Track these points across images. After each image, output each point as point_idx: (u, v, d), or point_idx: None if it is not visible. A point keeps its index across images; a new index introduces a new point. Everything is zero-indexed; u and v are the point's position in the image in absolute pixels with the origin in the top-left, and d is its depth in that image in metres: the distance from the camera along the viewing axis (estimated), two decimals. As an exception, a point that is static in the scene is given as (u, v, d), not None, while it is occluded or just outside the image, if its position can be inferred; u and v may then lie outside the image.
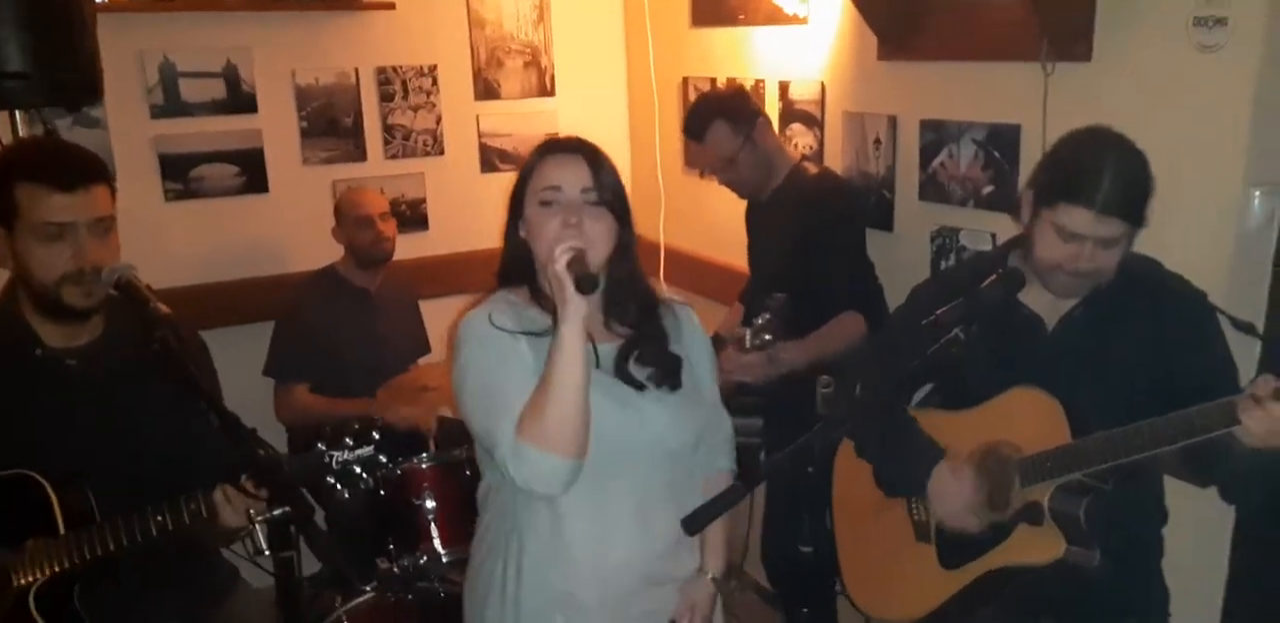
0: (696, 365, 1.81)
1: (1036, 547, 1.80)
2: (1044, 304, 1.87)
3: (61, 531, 1.77)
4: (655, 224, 3.79)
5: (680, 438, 1.74)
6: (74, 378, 1.89)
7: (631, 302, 1.75)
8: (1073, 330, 1.85)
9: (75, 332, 1.91)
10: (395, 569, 2.58)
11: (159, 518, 1.74)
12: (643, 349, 1.72)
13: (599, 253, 1.64)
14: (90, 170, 1.84)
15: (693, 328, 1.85)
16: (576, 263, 1.53)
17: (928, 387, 2.06)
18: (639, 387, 1.70)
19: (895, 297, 2.79)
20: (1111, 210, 1.70)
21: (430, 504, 2.62)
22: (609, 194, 1.66)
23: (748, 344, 2.42)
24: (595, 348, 1.67)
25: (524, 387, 1.58)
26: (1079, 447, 1.74)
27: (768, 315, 2.41)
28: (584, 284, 1.52)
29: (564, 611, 1.68)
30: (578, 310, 1.53)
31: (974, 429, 1.91)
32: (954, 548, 1.93)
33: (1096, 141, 1.78)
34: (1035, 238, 1.80)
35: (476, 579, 1.77)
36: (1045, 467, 1.78)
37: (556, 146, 1.70)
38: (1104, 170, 1.72)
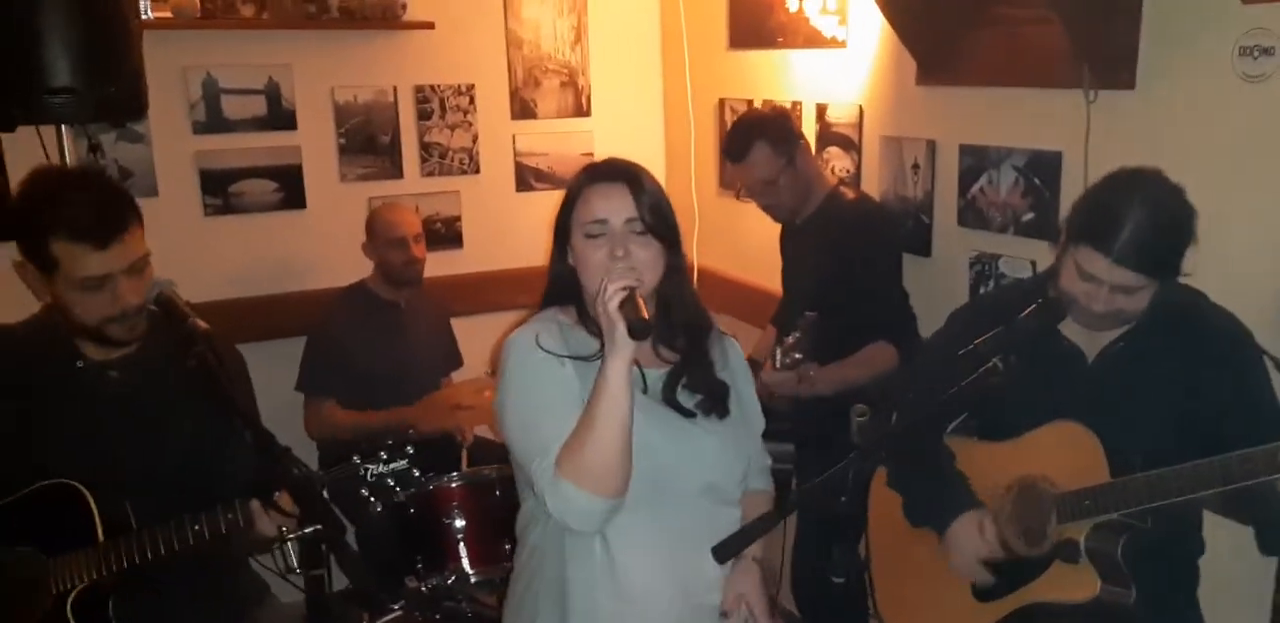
0: (743, 394, 1.79)
1: (1071, 585, 1.77)
2: (1085, 336, 1.85)
3: (100, 539, 1.80)
4: (689, 245, 3.76)
5: (729, 466, 1.72)
6: (114, 389, 1.92)
7: (681, 326, 1.72)
8: (1112, 364, 1.82)
9: (114, 345, 1.93)
10: (423, 588, 2.58)
11: (196, 527, 1.76)
12: (690, 375, 1.70)
13: (649, 280, 1.62)
14: (123, 217, 1.84)
15: (737, 356, 1.83)
16: (629, 304, 1.50)
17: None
18: (688, 414, 1.68)
19: (933, 322, 2.76)
20: (1128, 262, 1.68)
21: (460, 524, 2.61)
22: (654, 220, 1.63)
23: (778, 363, 2.42)
24: (643, 373, 1.66)
25: (567, 415, 1.56)
26: (1118, 486, 1.71)
27: (798, 334, 2.40)
28: (637, 330, 1.49)
29: None
30: (625, 350, 1.51)
31: (1011, 461, 1.88)
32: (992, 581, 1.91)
33: (1132, 187, 1.75)
34: (1060, 268, 1.80)
35: (520, 610, 1.73)
36: (1083, 505, 1.75)
37: (598, 174, 1.67)
38: (1127, 220, 1.69)
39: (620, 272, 1.55)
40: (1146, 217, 1.70)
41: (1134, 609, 1.74)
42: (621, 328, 1.49)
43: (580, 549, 1.64)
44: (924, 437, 1.97)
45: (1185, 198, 1.74)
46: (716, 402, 1.71)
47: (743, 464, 1.76)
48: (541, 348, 1.63)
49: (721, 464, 1.70)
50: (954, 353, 1.80)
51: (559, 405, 1.58)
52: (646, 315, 1.50)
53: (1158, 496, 1.65)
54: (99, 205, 1.84)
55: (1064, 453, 1.80)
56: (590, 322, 1.68)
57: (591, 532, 1.59)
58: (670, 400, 1.68)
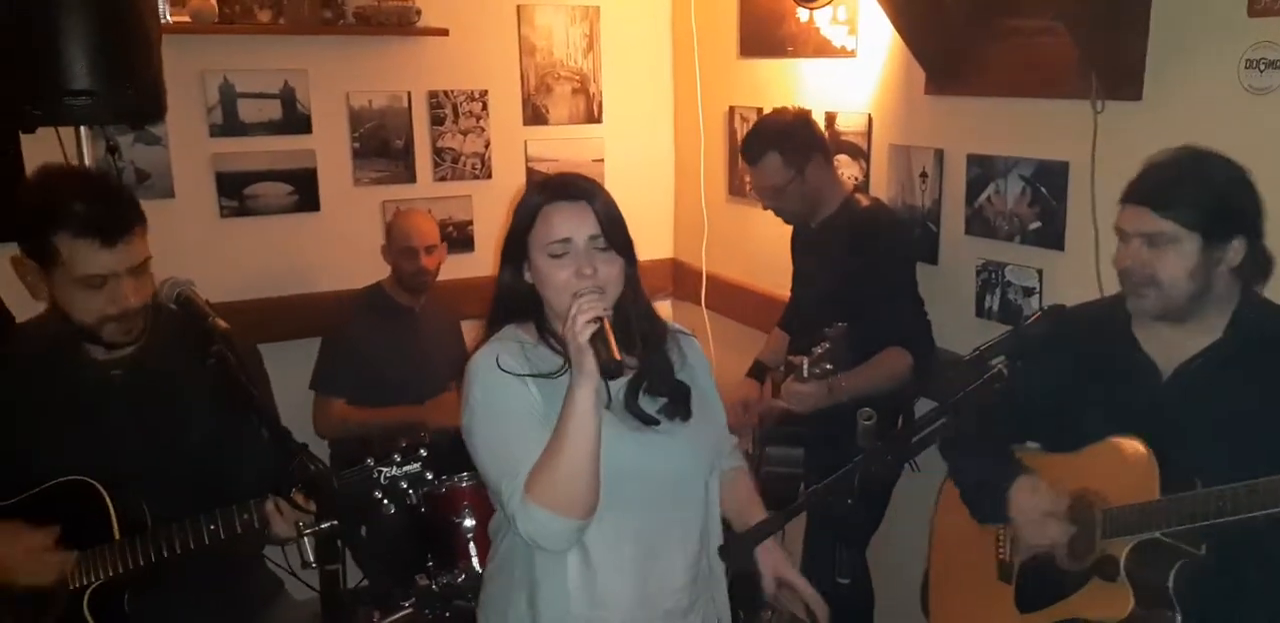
0: (704, 389, 1.80)
1: (1105, 603, 1.75)
2: (1161, 350, 1.80)
3: (117, 536, 1.82)
4: (698, 251, 3.82)
5: (695, 466, 1.74)
6: (120, 387, 1.94)
7: (638, 334, 1.71)
8: (1187, 382, 1.76)
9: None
10: (434, 586, 2.60)
11: (212, 526, 1.78)
12: (651, 382, 1.70)
13: (612, 294, 1.62)
14: (129, 218, 1.85)
15: (695, 354, 1.84)
16: (600, 340, 1.49)
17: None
18: (652, 422, 1.68)
19: (939, 329, 2.80)
20: (1150, 202, 1.67)
21: (470, 523, 2.64)
22: (616, 236, 1.63)
23: (805, 373, 2.40)
24: (606, 385, 1.65)
25: (532, 437, 1.57)
26: (1160, 504, 1.67)
27: (827, 345, 2.38)
28: (611, 371, 1.49)
29: None
30: (592, 379, 1.51)
31: (1071, 474, 1.85)
32: (1031, 591, 1.91)
33: (1178, 151, 1.75)
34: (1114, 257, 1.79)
35: (490, 613, 1.76)
36: (1127, 521, 1.72)
37: (557, 193, 1.64)
38: (1162, 169, 1.69)
39: (589, 301, 1.53)
40: (1171, 165, 1.69)
41: None
42: (590, 360, 1.49)
43: (550, 557, 1.64)
44: (989, 439, 1.95)
45: (1229, 162, 1.72)
46: (679, 405, 1.71)
47: (709, 461, 1.77)
48: (503, 369, 1.62)
49: (688, 465, 1.72)
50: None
51: (524, 427, 1.59)
52: (618, 355, 1.49)
53: (1199, 515, 1.61)
54: (107, 204, 1.84)
55: (1119, 468, 1.77)
56: (551, 337, 1.67)
57: (561, 550, 1.60)
58: (634, 409, 1.68)
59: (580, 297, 1.55)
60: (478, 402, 1.63)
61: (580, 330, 1.50)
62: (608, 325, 1.51)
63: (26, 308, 2.04)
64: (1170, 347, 1.79)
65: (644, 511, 1.67)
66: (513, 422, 1.60)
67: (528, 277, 1.67)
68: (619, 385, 1.68)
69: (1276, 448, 1.63)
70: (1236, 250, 1.71)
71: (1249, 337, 1.73)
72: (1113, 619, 1.73)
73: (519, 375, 1.62)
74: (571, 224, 1.61)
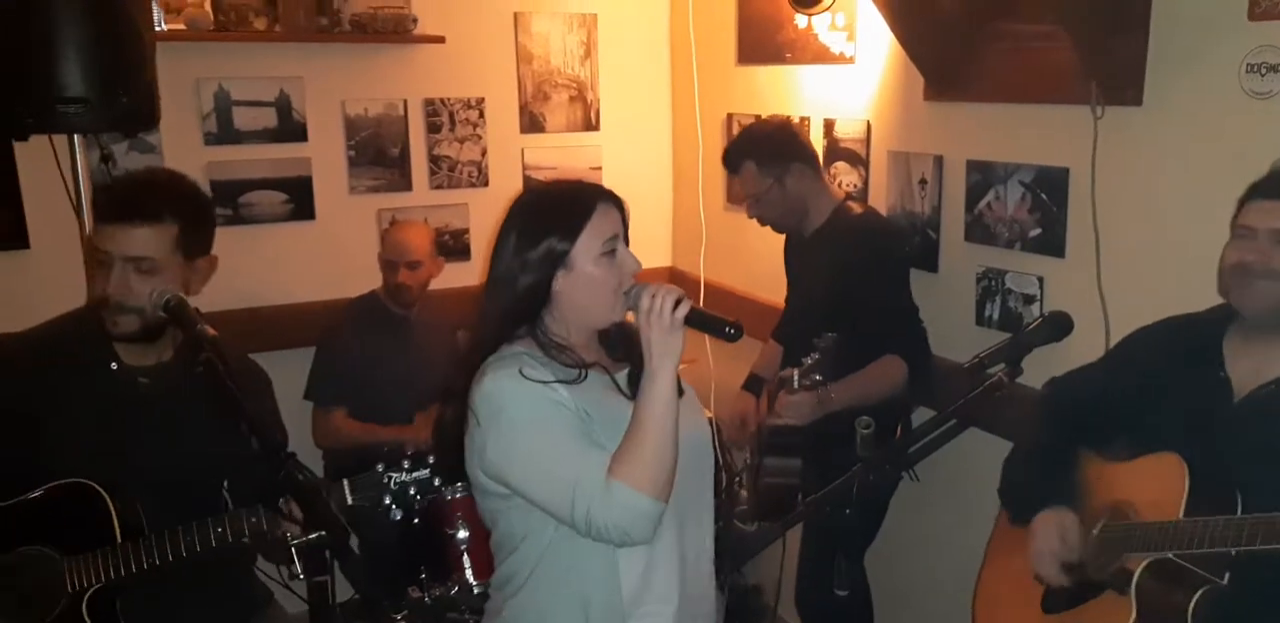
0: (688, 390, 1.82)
1: (1110, 614, 1.75)
2: (1244, 370, 1.76)
3: (119, 540, 1.82)
4: (696, 259, 3.80)
5: (705, 436, 1.77)
6: (143, 395, 1.95)
7: (622, 328, 1.74)
8: (1259, 404, 1.72)
9: (148, 352, 1.97)
10: (426, 599, 2.58)
11: (219, 530, 1.78)
12: (732, 336, 1.70)
13: None
14: (156, 210, 1.87)
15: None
16: (696, 313, 1.54)
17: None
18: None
19: (939, 337, 2.78)
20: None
21: (463, 535, 2.61)
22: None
23: (796, 384, 2.39)
24: (614, 378, 1.68)
25: (585, 437, 1.57)
26: (1175, 526, 1.66)
27: (817, 355, 2.37)
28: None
29: None
30: (677, 356, 1.55)
31: (1116, 483, 1.86)
32: (1058, 594, 1.90)
33: None
34: (1224, 256, 1.76)
35: None
36: (1145, 538, 1.71)
37: (602, 195, 1.67)
38: None
39: (657, 287, 1.58)
40: None
41: None
42: (678, 340, 1.54)
43: (599, 565, 1.61)
44: (1045, 440, 1.95)
45: None
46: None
47: (710, 432, 1.81)
48: (528, 379, 1.58)
49: (700, 440, 1.75)
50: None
51: (574, 430, 1.57)
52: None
53: (1210, 541, 1.59)
54: (147, 188, 1.92)
55: (1154, 483, 1.76)
56: (558, 350, 1.64)
57: (647, 539, 1.55)
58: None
59: (642, 288, 1.58)
60: (513, 416, 1.57)
61: (673, 311, 1.54)
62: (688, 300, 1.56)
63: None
64: (1254, 367, 1.75)
65: (678, 490, 1.63)
66: (560, 427, 1.57)
67: (558, 286, 1.63)
68: (623, 378, 1.70)
69: None
70: None
71: None
72: None
73: (547, 383, 1.60)
74: (615, 222, 1.66)
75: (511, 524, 1.66)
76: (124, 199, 1.90)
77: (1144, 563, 1.70)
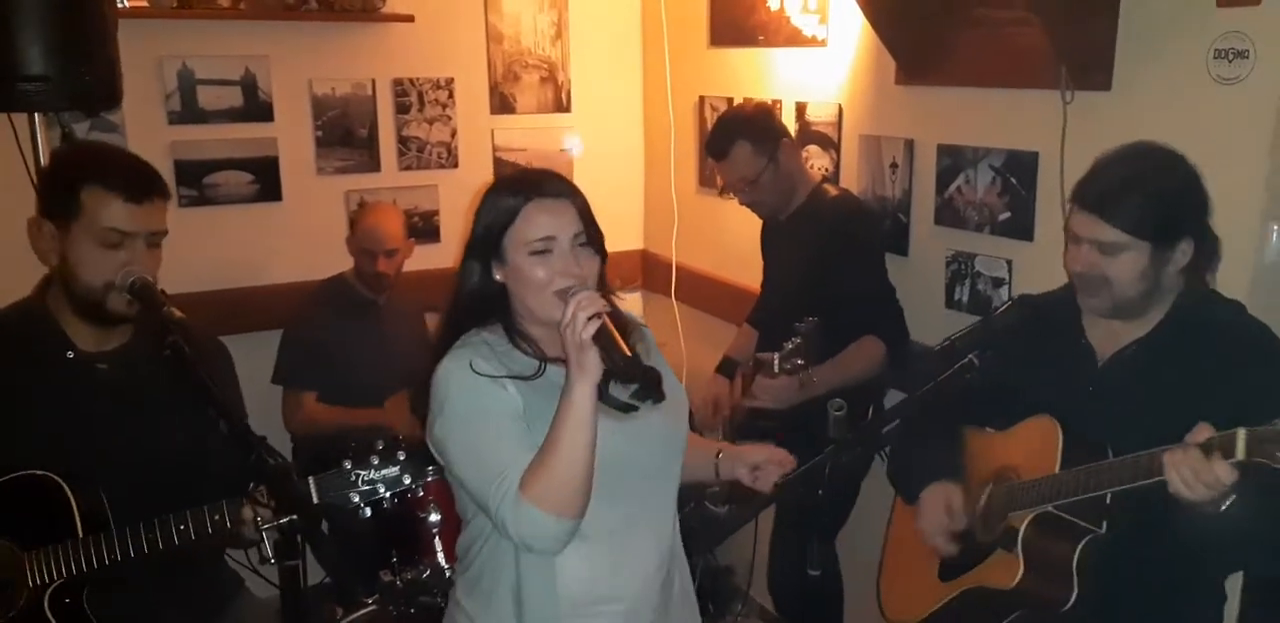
0: (669, 378, 1.77)
1: (1001, 571, 1.82)
2: (1102, 337, 1.85)
3: (80, 534, 1.77)
4: (668, 243, 3.80)
5: (674, 448, 1.74)
6: (103, 382, 1.90)
7: None
8: (1123, 368, 1.81)
9: (106, 336, 1.92)
10: (398, 582, 2.57)
11: (181, 527, 1.74)
12: (618, 371, 1.66)
13: (589, 287, 1.60)
14: (157, 184, 1.88)
15: (652, 345, 1.83)
16: (605, 339, 1.48)
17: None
18: (631, 408, 1.64)
19: (910, 320, 2.79)
20: (1100, 211, 1.70)
21: (435, 518, 2.60)
22: (594, 234, 1.64)
23: (776, 368, 2.38)
24: None
25: (517, 438, 1.54)
26: (1049, 479, 1.75)
27: (798, 340, 2.36)
28: (626, 370, 1.48)
29: None
30: (593, 376, 1.49)
31: (998, 451, 1.93)
32: (951, 561, 1.97)
33: (1127, 151, 1.78)
34: (1064, 257, 1.83)
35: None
36: (1025, 495, 1.79)
37: (539, 190, 1.62)
38: (1111, 174, 1.73)
39: (588, 298, 1.52)
40: (1121, 168, 1.73)
41: (1074, 611, 1.73)
42: (593, 358, 1.48)
43: (535, 559, 1.61)
44: (933, 421, 1.99)
45: (1182, 162, 1.74)
46: (652, 389, 1.65)
47: (685, 441, 1.77)
48: (478, 373, 1.58)
49: (667, 448, 1.72)
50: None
51: (507, 430, 1.56)
52: (628, 351, 1.48)
53: (1077, 489, 1.68)
54: (139, 168, 1.89)
55: (1031, 445, 1.84)
56: (522, 339, 1.65)
57: (555, 553, 1.57)
58: (609, 401, 1.63)
59: (575, 294, 1.52)
60: (454, 408, 1.58)
61: (583, 328, 1.48)
62: (609, 322, 1.50)
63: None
64: (1111, 336, 1.84)
65: (625, 499, 1.65)
66: (494, 424, 1.56)
67: (498, 276, 1.64)
68: None
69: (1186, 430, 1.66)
70: (1185, 252, 1.75)
71: (1179, 326, 1.78)
72: (1005, 587, 1.80)
73: (495, 377, 1.59)
74: (556, 221, 1.60)
75: (463, 498, 1.69)
76: (135, 174, 1.85)
77: (1027, 519, 1.78)
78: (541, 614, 1.63)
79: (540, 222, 1.60)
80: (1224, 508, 1.51)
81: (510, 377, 1.60)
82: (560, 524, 1.50)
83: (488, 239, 1.63)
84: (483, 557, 1.69)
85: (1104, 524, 1.72)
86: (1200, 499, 1.50)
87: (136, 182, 1.84)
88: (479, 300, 1.67)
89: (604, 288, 1.69)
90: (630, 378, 1.49)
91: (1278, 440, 1.41)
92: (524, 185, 1.64)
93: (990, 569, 1.86)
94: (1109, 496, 1.68)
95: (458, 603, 1.74)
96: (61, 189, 1.83)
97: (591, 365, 1.49)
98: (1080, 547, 1.72)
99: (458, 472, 1.61)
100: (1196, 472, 1.48)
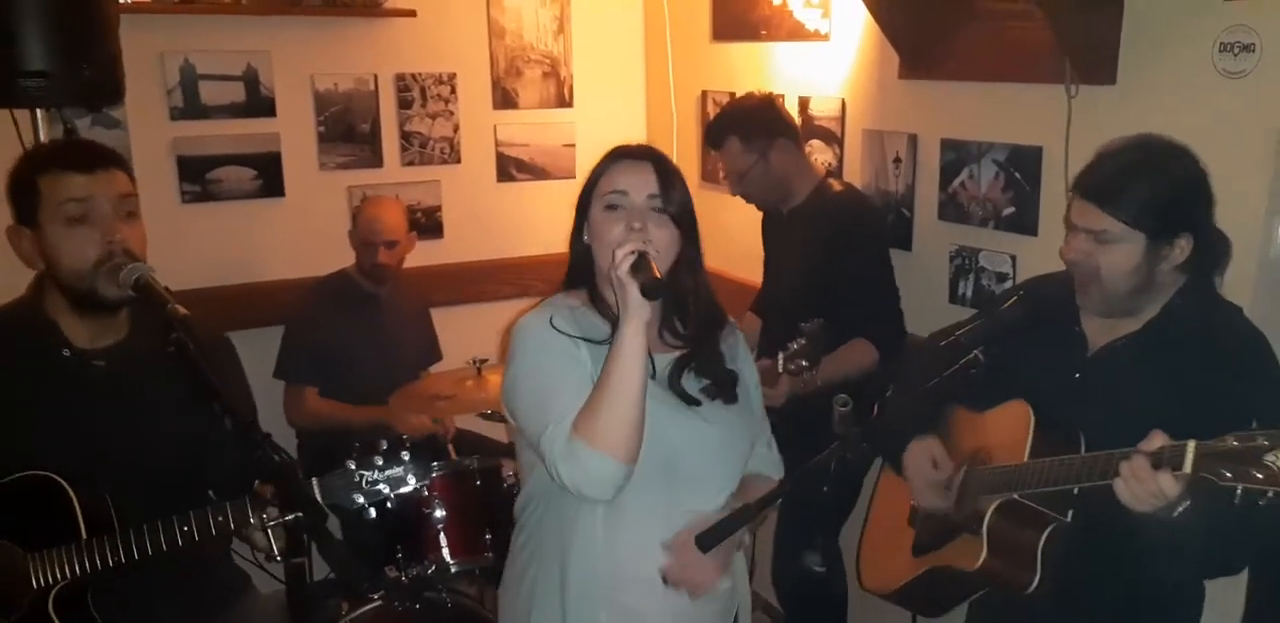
0: (749, 385, 1.81)
1: (965, 553, 1.83)
2: (1096, 327, 1.84)
3: (84, 535, 1.76)
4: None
5: (733, 453, 1.74)
6: (100, 379, 1.88)
7: (694, 316, 1.73)
8: (1110, 360, 1.81)
9: (102, 332, 1.90)
10: (403, 578, 2.57)
11: (185, 528, 1.73)
12: (699, 362, 1.71)
13: (662, 260, 1.61)
14: (107, 156, 1.85)
15: (744, 353, 1.85)
16: (642, 267, 1.51)
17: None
18: (693, 402, 1.69)
19: (912, 315, 2.79)
20: (1099, 200, 1.69)
21: (440, 514, 2.60)
22: (675, 205, 1.65)
23: (780, 369, 2.36)
24: (651, 358, 1.65)
25: (579, 392, 1.56)
26: (1018, 468, 1.76)
27: (803, 341, 2.35)
28: (649, 289, 1.50)
29: (612, 614, 1.65)
30: (641, 313, 1.52)
31: (975, 432, 1.94)
32: (925, 537, 1.99)
33: (1131, 142, 1.76)
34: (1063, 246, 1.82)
35: (518, 591, 1.74)
36: (994, 481, 1.80)
37: (627, 152, 1.70)
38: (1112, 164, 1.72)
39: (632, 237, 1.57)
40: (1123, 158, 1.72)
41: (1034, 595, 1.74)
42: (634, 289, 1.50)
43: (582, 529, 1.64)
44: (917, 390, 1.98)
45: (1186, 156, 1.72)
46: (724, 388, 1.72)
47: (746, 450, 1.77)
48: (556, 329, 1.64)
49: (726, 451, 1.72)
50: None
51: (572, 382, 1.59)
52: (659, 274, 1.51)
53: (1041, 481, 1.68)
54: (81, 143, 1.90)
55: (1005, 430, 1.84)
56: (602, 305, 1.69)
57: (604, 497, 1.57)
58: (675, 387, 1.68)
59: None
60: (527, 356, 1.64)
61: (620, 261, 1.51)
62: (651, 259, 1.52)
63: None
64: (1106, 326, 1.84)
65: (681, 488, 1.66)
66: (558, 375, 1.60)
67: (586, 238, 1.69)
68: (666, 362, 1.69)
69: (1182, 432, 1.62)
70: (1182, 248, 1.72)
71: (1171, 326, 1.75)
72: (965, 569, 1.81)
73: (571, 337, 1.64)
74: (631, 178, 1.65)
75: (525, 451, 1.70)
76: (80, 149, 1.85)
77: (994, 504, 1.78)
78: (585, 581, 1.64)
79: (616, 177, 1.66)
80: (1176, 515, 1.50)
81: (585, 339, 1.64)
82: (609, 464, 1.52)
83: (582, 199, 1.69)
84: (535, 517, 1.72)
85: (1069, 514, 1.73)
86: (1144, 509, 1.50)
87: (83, 154, 1.83)
88: (577, 265, 1.72)
89: (696, 273, 1.72)
90: (653, 295, 1.50)
91: (1226, 457, 1.39)
92: (618, 149, 1.72)
93: (955, 551, 1.87)
94: (1076, 487, 1.68)
95: (511, 562, 1.78)
96: (22, 189, 1.82)
97: (635, 303, 1.51)
98: (1045, 534, 1.73)
99: (520, 420, 1.65)
100: (1141, 481, 1.48)
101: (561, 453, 1.53)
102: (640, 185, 1.64)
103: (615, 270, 1.52)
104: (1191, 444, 1.45)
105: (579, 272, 1.73)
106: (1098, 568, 1.76)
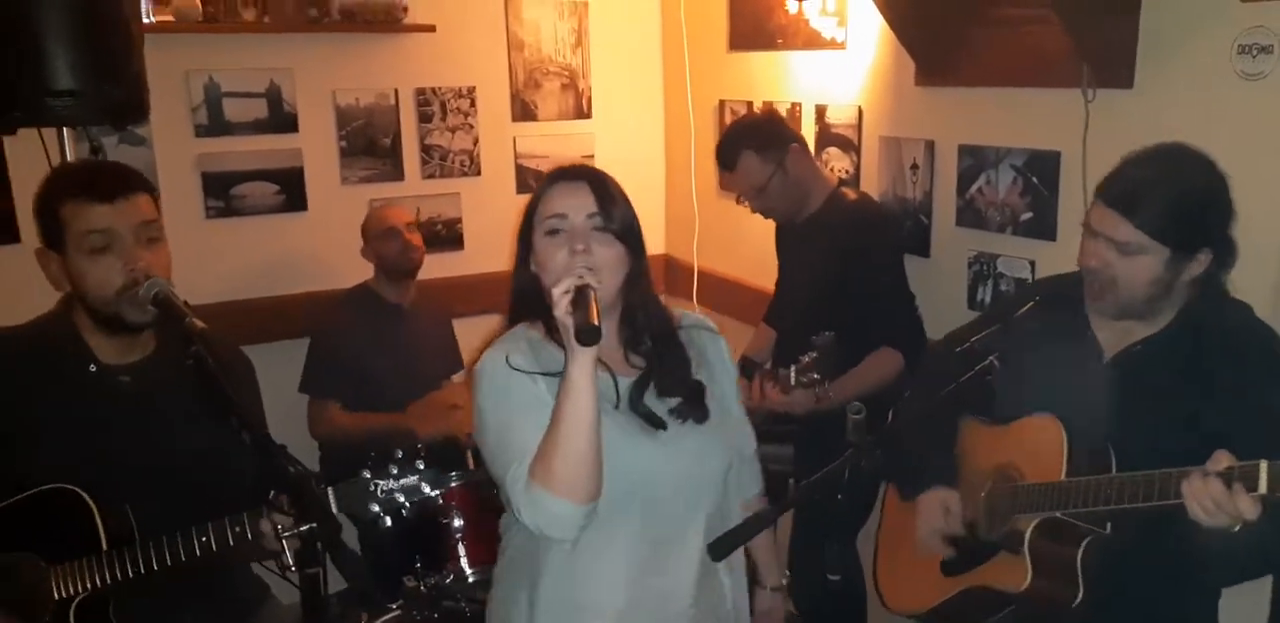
0: (724, 389, 1.77)
1: (1008, 574, 1.80)
2: (1110, 334, 1.83)
3: (105, 546, 1.78)
4: (690, 246, 3.79)
5: (707, 472, 1.70)
6: (126, 395, 1.90)
7: (647, 332, 1.70)
8: (1127, 366, 1.79)
9: (129, 348, 1.92)
10: (422, 588, 2.58)
11: (203, 539, 1.75)
12: (660, 381, 1.67)
13: (610, 282, 1.59)
14: (128, 181, 1.87)
15: (717, 352, 1.80)
16: (579, 305, 1.45)
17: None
18: (659, 424, 1.64)
19: (931, 321, 2.77)
20: (1123, 209, 1.67)
21: (458, 523, 2.62)
22: (617, 222, 1.62)
23: (793, 382, 2.33)
24: (616, 381, 1.64)
25: (538, 429, 1.54)
26: (1062, 486, 1.72)
27: (814, 354, 2.33)
28: (583, 336, 1.44)
29: None
30: (585, 353, 1.47)
31: (997, 446, 1.91)
32: (955, 557, 1.95)
33: (1159, 152, 1.75)
34: (1079, 250, 1.80)
35: (495, 611, 1.76)
36: (1033, 499, 1.77)
37: (560, 175, 1.67)
38: (1140, 173, 1.70)
39: (576, 262, 1.53)
40: (1151, 168, 1.70)
41: (1078, 611, 1.72)
42: (572, 332, 1.45)
43: (551, 559, 1.64)
44: (934, 413, 1.97)
45: (1213, 169, 1.70)
46: (693, 406, 1.67)
47: (724, 467, 1.73)
48: (512, 367, 1.61)
49: (696, 472, 1.68)
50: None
51: (531, 420, 1.55)
52: (595, 320, 1.44)
53: (1091, 500, 1.65)
54: (103, 168, 1.90)
55: (1035, 445, 1.82)
56: (559, 335, 1.62)
57: (568, 538, 1.57)
58: (639, 410, 1.65)
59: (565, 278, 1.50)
60: (486, 400, 1.62)
61: (558, 301, 1.46)
62: (592, 297, 1.46)
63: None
64: (1120, 332, 1.81)
65: (653, 514, 1.64)
66: (518, 415, 1.58)
67: (533, 266, 1.65)
68: (626, 385, 1.65)
69: (1192, 437, 1.63)
70: (1201, 263, 1.71)
71: (1190, 329, 1.74)
72: (1012, 590, 1.79)
73: (528, 373, 1.61)
74: (569, 201, 1.62)
75: (509, 510, 1.69)
76: (101, 177, 1.86)
77: (1033, 523, 1.76)
78: (552, 612, 1.64)
79: (554, 201, 1.63)
80: (1236, 529, 1.49)
81: (542, 373, 1.61)
82: (567, 507, 1.49)
83: (524, 227, 1.67)
84: (512, 538, 1.73)
85: (1107, 526, 1.71)
86: (1221, 526, 1.48)
87: (102, 182, 1.84)
88: (523, 296, 1.68)
89: (643, 287, 1.68)
90: (586, 342, 1.44)
91: None
92: (553, 171, 1.69)
93: (996, 570, 1.84)
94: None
95: (493, 587, 1.79)
96: (46, 216, 1.84)
97: (577, 345, 1.46)
98: (1083, 546, 1.71)
99: (487, 461, 1.63)
100: (1219, 504, 1.46)
101: (522, 497, 1.51)
102: (578, 206, 1.60)
103: (555, 310, 1.47)
104: (1264, 464, 1.43)
105: (528, 302, 1.67)
106: (1130, 575, 1.74)
